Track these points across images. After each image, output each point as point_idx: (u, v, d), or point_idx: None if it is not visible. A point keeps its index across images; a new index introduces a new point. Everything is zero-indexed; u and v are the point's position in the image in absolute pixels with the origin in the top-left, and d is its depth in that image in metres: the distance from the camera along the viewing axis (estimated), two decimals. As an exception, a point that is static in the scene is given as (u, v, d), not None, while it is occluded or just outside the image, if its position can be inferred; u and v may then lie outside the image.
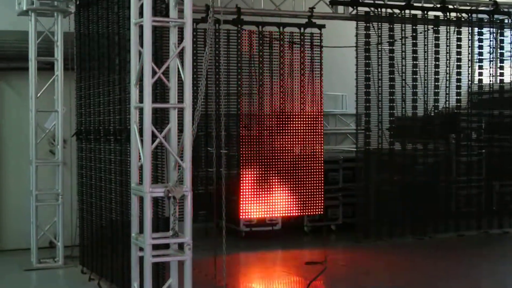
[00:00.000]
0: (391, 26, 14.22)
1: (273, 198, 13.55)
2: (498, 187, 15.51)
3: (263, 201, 13.49)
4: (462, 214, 14.95)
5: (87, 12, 11.06)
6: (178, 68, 7.77)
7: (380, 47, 14.06)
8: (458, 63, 14.89)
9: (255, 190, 13.43)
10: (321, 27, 13.98)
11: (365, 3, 14.09)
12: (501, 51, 15.42)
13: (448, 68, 14.73)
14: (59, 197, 12.24)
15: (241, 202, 13.32)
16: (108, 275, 10.33)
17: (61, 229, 12.20)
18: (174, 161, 7.80)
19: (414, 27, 14.39)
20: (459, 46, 14.89)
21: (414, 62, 14.42)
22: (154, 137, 7.54)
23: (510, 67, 15.63)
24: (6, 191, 13.50)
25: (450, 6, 14.79)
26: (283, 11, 13.76)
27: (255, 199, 13.43)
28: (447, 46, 14.75)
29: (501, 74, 15.42)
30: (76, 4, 11.62)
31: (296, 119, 13.80)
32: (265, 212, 13.62)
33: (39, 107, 12.08)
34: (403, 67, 14.31)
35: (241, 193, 13.29)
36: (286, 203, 13.67)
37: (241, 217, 13.56)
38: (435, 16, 14.66)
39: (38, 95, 12.06)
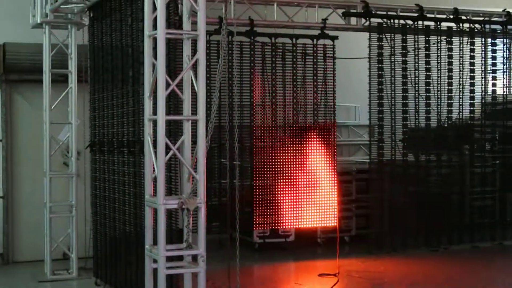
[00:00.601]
0: (404, 37, 14.21)
1: (286, 209, 13.53)
2: (512, 198, 15.47)
3: (276, 213, 13.47)
4: (476, 226, 14.89)
5: (101, 25, 11.11)
6: (192, 80, 7.79)
7: (393, 58, 14.06)
8: (472, 74, 14.85)
9: (268, 201, 13.41)
10: (334, 38, 14.00)
11: (378, 14, 14.09)
12: (515, 61, 15.41)
13: (461, 79, 14.70)
14: (73, 209, 12.28)
15: (255, 214, 13.31)
16: (122, 286, 10.34)
17: (75, 241, 12.23)
18: (187, 173, 7.81)
19: (427, 38, 14.38)
20: (472, 57, 14.86)
21: (427, 73, 14.41)
22: (167, 149, 7.56)
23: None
24: (20, 203, 13.55)
25: (463, 17, 14.77)
26: (296, 23, 13.79)
27: (268, 210, 13.41)
28: (460, 57, 14.72)
29: (515, 85, 15.40)
30: (89, 17, 11.68)
31: (309, 130, 13.79)
32: (279, 224, 13.61)
33: (53, 119, 12.14)
34: (416, 78, 14.29)
35: (255, 205, 13.29)
36: (299, 214, 13.64)
37: (254, 228, 13.55)
38: (448, 27, 14.64)
39: (52, 107, 12.12)
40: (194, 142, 7.73)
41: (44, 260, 12.28)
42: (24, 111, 13.59)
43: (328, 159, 13.81)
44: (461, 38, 14.74)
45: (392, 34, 14.11)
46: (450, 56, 14.63)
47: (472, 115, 14.94)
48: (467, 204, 15.01)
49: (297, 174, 13.59)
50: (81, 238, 12.22)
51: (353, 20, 14.14)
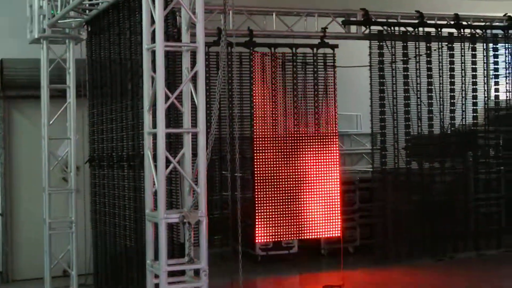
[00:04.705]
0: (405, 44, 14.27)
1: (289, 220, 13.54)
2: (517, 204, 15.47)
3: (278, 224, 13.49)
4: (481, 233, 14.89)
5: (99, 39, 11.17)
6: (191, 92, 7.82)
7: (394, 65, 14.10)
8: (474, 80, 14.90)
9: (271, 213, 13.43)
10: (334, 47, 14.04)
11: (378, 22, 14.15)
12: (517, 66, 15.44)
13: (463, 85, 14.75)
14: (73, 225, 12.29)
15: (257, 226, 13.33)
16: (124, 302, 10.35)
17: (75, 258, 12.22)
18: (188, 186, 7.82)
19: (428, 44, 14.43)
20: (474, 63, 14.91)
21: (429, 79, 14.46)
22: (168, 162, 7.57)
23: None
24: (19, 220, 13.58)
25: (464, 23, 14.82)
26: (295, 32, 13.85)
27: (270, 222, 13.43)
28: (462, 62, 14.78)
29: (518, 90, 15.42)
30: (87, 31, 11.74)
31: (311, 140, 13.82)
32: (281, 236, 13.62)
33: (51, 135, 12.15)
34: (418, 85, 14.34)
35: (257, 217, 13.30)
36: (302, 225, 13.66)
37: (257, 241, 13.56)
38: (449, 33, 14.70)
39: (51, 122, 12.14)
40: (195, 154, 7.75)
41: (44, 278, 12.28)
42: (23, 127, 13.64)
43: (330, 168, 13.84)
44: (462, 43, 14.79)
45: (393, 42, 14.17)
46: (451, 62, 14.69)
47: (475, 121, 14.98)
48: (472, 211, 15.03)
49: (299, 185, 13.61)
50: (81, 255, 12.22)
51: (353, 28, 14.21)
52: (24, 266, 13.47)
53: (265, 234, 13.44)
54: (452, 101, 14.63)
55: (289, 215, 13.50)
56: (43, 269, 12.24)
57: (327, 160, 13.87)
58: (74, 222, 12.27)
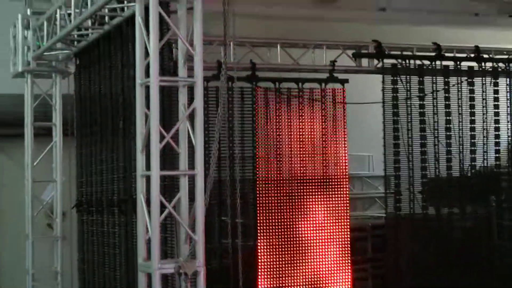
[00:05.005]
0: (421, 79, 14.25)
1: (295, 271, 13.46)
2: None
3: (283, 275, 13.40)
4: (508, 285, 14.75)
5: (88, 72, 11.20)
6: (188, 131, 7.81)
7: (409, 102, 14.10)
8: (496, 117, 14.88)
9: (275, 262, 13.35)
10: (344, 81, 14.05)
11: (392, 54, 14.17)
12: (542, 102, 15.43)
13: (485, 123, 14.74)
14: (58, 275, 12.22)
15: (259, 277, 13.24)
16: None
17: (61, 312, 12.16)
18: (185, 234, 7.79)
19: (446, 79, 14.43)
20: (496, 99, 14.89)
21: (447, 117, 14.43)
22: (162, 207, 7.55)
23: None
24: (1, 268, 13.50)
25: (485, 56, 14.84)
26: (302, 66, 13.88)
27: (275, 272, 13.34)
28: (483, 99, 14.76)
29: (543, 127, 15.40)
30: (76, 64, 11.78)
31: (319, 183, 13.78)
32: (286, 287, 13.51)
33: (35, 177, 12.15)
34: (435, 123, 14.31)
35: (259, 267, 13.22)
36: (309, 276, 13.56)
37: (260, 293, 13.47)
38: (469, 66, 14.72)
39: (35, 163, 12.14)
40: (192, 199, 7.73)
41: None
42: (5, 168, 13.65)
43: (340, 214, 13.78)
44: (483, 78, 14.80)
45: (408, 76, 14.17)
46: (472, 99, 14.67)
47: (498, 162, 14.94)
48: (497, 262, 14.91)
49: (305, 232, 13.55)
50: (68, 309, 12.15)
51: (365, 62, 14.24)
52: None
53: (268, 286, 13.34)
54: (472, 140, 14.60)
55: (295, 265, 13.42)
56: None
57: (336, 205, 13.82)
58: (59, 273, 12.21)
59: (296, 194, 13.60)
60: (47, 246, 12.54)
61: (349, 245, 13.81)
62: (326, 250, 13.65)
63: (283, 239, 13.41)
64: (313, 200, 13.69)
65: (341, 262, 13.71)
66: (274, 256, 13.30)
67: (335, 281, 13.72)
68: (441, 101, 14.42)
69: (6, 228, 13.54)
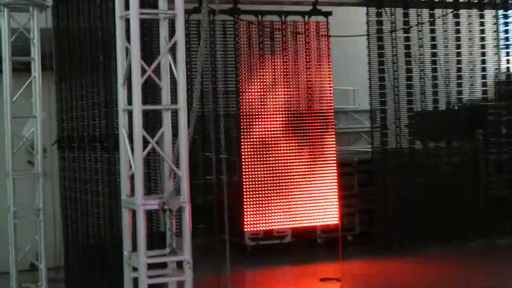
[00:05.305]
0: (406, 11, 14.22)
1: (281, 207, 13.53)
2: (533, 187, 15.48)
3: (269, 211, 13.48)
4: (492, 219, 14.89)
5: (66, 6, 11.07)
6: (170, 65, 7.75)
7: (394, 35, 14.06)
8: (483, 50, 14.88)
9: (260, 198, 13.42)
10: (327, 14, 13.99)
11: (376, -15, 14.09)
12: (530, 34, 15.42)
13: (471, 56, 14.73)
14: (40, 212, 12.18)
15: (245, 213, 13.31)
16: (98, 299, 10.33)
17: (43, 249, 12.12)
18: (169, 169, 7.77)
19: (431, 11, 14.39)
20: (482, 31, 14.89)
21: (433, 50, 14.44)
22: (145, 142, 7.51)
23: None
24: (-19, 208, 13.48)
25: (472, -14, 14.80)
26: (285, -2, 13.80)
27: (260, 209, 13.42)
28: (469, 31, 14.76)
29: (531, 60, 15.41)
30: (53, -3, 11.63)
31: (304, 118, 13.80)
32: (273, 223, 13.61)
33: (15, 113, 12.04)
34: (421, 56, 14.32)
35: (245, 203, 13.28)
36: (296, 212, 13.65)
37: (245, 229, 13.54)
38: (454, -2, 14.67)
39: (14, 99, 12.02)
40: (175, 134, 7.69)
41: (9, 272, 12.22)
42: (-18, 105, 13.51)
43: (326, 149, 13.82)
44: (469, 10, 14.74)
45: (393, 8, 14.11)
46: (458, 31, 14.66)
47: (485, 95, 14.98)
48: (482, 195, 15.04)
49: (292, 167, 13.59)
50: (50, 246, 12.16)
51: (349, -6, 14.16)
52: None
53: (254, 222, 13.44)
54: (459, 73, 14.64)
55: (281, 200, 13.50)
56: (8, 262, 12.18)
57: (322, 140, 13.87)
58: (41, 210, 12.16)
59: (280, 128, 13.61)
60: (28, 183, 12.49)
61: (336, 181, 13.87)
62: (313, 185, 13.71)
63: (268, 175, 13.47)
64: (298, 135, 13.71)
65: (328, 197, 13.79)
66: (260, 192, 13.38)
67: (322, 217, 13.82)
68: (426, 33, 14.42)
69: (-14, 167, 13.48)
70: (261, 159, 13.42)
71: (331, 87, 14.09)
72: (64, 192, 11.57)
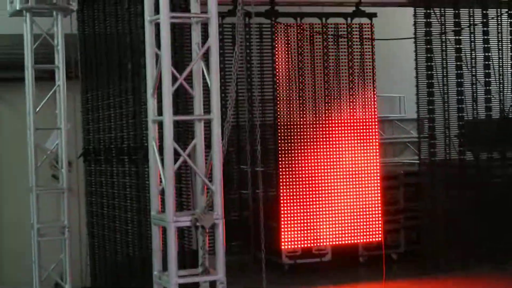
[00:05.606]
0: (457, 11, 14.18)
1: (321, 223, 13.54)
2: None
3: (308, 228, 13.50)
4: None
5: (92, 10, 11.21)
6: (203, 72, 7.82)
7: (444, 37, 14.03)
8: (541, 53, 14.82)
9: (299, 214, 13.44)
10: (371, 16, 14.00)
11: (424, -16, 14.10)
12: None
13: (527, 60, 14.68)
14: (65, 230, 12.33)
15: (283, 229, 13.34)
16: (127, 322, 10.42)
17: (69, 268, 12.26)
18: (201, 184, 7.84)
19: (484, 11, 14.34)
20: (541, 33, 14.82)
21: (486, 54, 14.37)
22: (176, 155, 7.59)
23: None
24: (3, 224, 13.66)
25: (528, -16, 14.74)
26: (325, -1, 13.84)
27: (298, 225, 13.44)
28: (525, 33, 14.71)
29: None
30: (78, 1, 11.76)
31: (346, 128, 13.80)
32: (312, 241, 13.63)
33: (38, 124, 12.19)
34: (473, 60, 14.26)
35: (282, 219, 13.31)
36: (337, 229, 13.66)
37: (283, 247, 13.57)
38: (510, -3, 14.62)
39: (37, 110, 12.17)
40: (208, 146, 7.76)
41: (32, 291, 12.38)
42: (4, 116, 13.70)
43: (369, 161, 13.82)
44: (526, 9, 14.70)
45: (442, 8, 14.09)
46: (513, 33, 14.61)
47: (542, 103, 14.90)
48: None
49: (332, 181, 13.60)
50: (76, 265, 12.28)
51: (395, -7, 14.18)
52: (9, 279, 13.56)
53: (292, 239, 13.45)
54: (514, 78, 14.57)
55: (321, 216, 13.51)
56: (32, 282, 12.32)
57: (365, 151, 13.86)
58: (67, 227, 12.30)
59: (320, 139, 13.63)
60: (53, 199, 12.64)
61: (379, 195, 13.86)
62: (355, 200, 13.71)
63: (307, 189, 13.48)
64: (340, 146, 13.72)
65: (371, 213, 13.78)
66: (298, 207, 13.39)
67: (365, 233, 13.81)
68: (479, 36, 14.33)
69: (8, 181, 13.65)
70: (300, 171, 13.44)
71: (375, 94, 14.08)
72: (90, 208, 11.70)
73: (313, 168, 13.53)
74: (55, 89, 12.38)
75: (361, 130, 13.87)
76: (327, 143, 13.67)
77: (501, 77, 14.44)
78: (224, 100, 8.34)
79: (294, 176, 13.41)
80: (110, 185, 10.82)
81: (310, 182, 13.49)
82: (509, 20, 14.57)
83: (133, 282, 10.09)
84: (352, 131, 13.84)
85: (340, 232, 13.67)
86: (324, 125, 13.72)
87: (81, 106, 12.01)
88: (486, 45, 14.37)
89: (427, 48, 13.96)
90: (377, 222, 13.83)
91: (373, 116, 14.02)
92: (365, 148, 13.85)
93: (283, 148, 13.46)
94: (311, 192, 13.50)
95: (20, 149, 12.97)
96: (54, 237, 12.40)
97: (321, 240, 13.71)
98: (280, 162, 13.39)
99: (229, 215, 13.22)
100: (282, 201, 13.32)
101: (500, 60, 14.46)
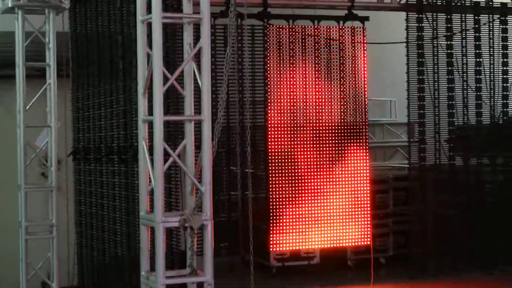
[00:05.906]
0: (449, 16, 14.21)
1: (310, 226, 13.54)
2: None
3: (297, 230, 13.49)
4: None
5: (84, 8, 11.20)
6: (194, 73, 7.82)
7: (435, 42, 14.05)
8: (531, 59, 14.85)
9: (288, 216, 13.43)
10: (364, 19, 14.00)
11: (417, -11, 14.12)
12: None
13: (518, 66, 14.71)
14: (53, 228, 12.30)
15: (271, 231, 13.33)
16: (114, 321, 10.41)
17: (56, 267, 12.24)
18: (190, 184, 7.84)
19: (476, 17, 14.37)
20: (531, 39, 14.86)
21: (477, 59, 14.40)
22: (166, 155, 7.59)
23: None
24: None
25: (520, -10, 14.79)
26: (318, 2, 13.82)
27: (287, 227, 13.43)
28: (517, 39, 14.73)
29: None
30: (71, -1, 11.76)
31: (336, 131, 13.79)
32: (300, 243, 13.62)
33: (28, 122, 12.17)
34: (464, 65, 14.28)
35: (271, 221, 13.31)
36: (325, 232, 13.65)
37: (271, 249, 13.56)
38: (501, 3, 14.63)
39: (27, 107, 12.15)
40: (198, 146, 7.76)
41: (19, 290, 12.35)
42: (-5, 113, 13.69)
43: (359, 164, 13.82)
44: (517, 16, 14.73)
45: (434, 13, 14.11)
46: (504, 39, 14.62)
47: (532, 109, 14.94)
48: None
49: (321, 183, 13.60)
50: (63, 264, 12.26)
51: (387, -3, 14.19)
52: (-3, 277, 13.54)
53: (281, 242, 13.44)
54: (504, 85, 14.58)
55: (310, 219, 13.50)
56: (19, 280, 12.29)
57: (355, 155, 13.86)
58: (55, 226, 12.28)
59: (311, 142, 13.62)
60: (41, 197, 12.62)
61: (368, 198, 13.87)
62: (344, 203, 13.71)
63: (296, 191, 13.47)
64: (330, 149, 13.72)
65: (360, 216, 13.78)
66: (287, 210, 13.37)
67: (353, 237, 13.80)
68: (470, 41, 14.36)
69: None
70: (290, 174, 13.42)
71: (366, 97, 14.09)
72: (79, 207, 11.68)
73: (303, 171, 13.53)
74: (45, 87, 12.36)
75: (352, 134, 13.87)
76: (317, 146, 13.67)
77: (492, 82, 14.47)
78: (215, 101, 8.32)
79: (283, 178, 13.40)
80: (99, 184, 10.81)
81: (300, 184, 13.49)
82: (501, 26, 14.60)
83: (120, 282, 10.08)
84: (342, 134, 13.83)
85: (328, 235, 13.66)
86: (314, 128, 13.71)
87: (71, 104, 11.99)
88: (477, 51, 14.41)
89: (418, 53, 13.99)
90: (366, 226, 13.83)
91: (364, 120, 14.02)
92: (355, 151, 13.84)
93: (273, 150, 13.43)
94: (300, 195, 13.49)
95: (9, 147, 12.94)
96: (41, 235, 12.38)
97: (310, 243, 13.70)
98: (270, 164, 13.37)
99: (218, 217, 13.23)
100: (271, 203, 13.30)
101: (492, 66, 14.48)
